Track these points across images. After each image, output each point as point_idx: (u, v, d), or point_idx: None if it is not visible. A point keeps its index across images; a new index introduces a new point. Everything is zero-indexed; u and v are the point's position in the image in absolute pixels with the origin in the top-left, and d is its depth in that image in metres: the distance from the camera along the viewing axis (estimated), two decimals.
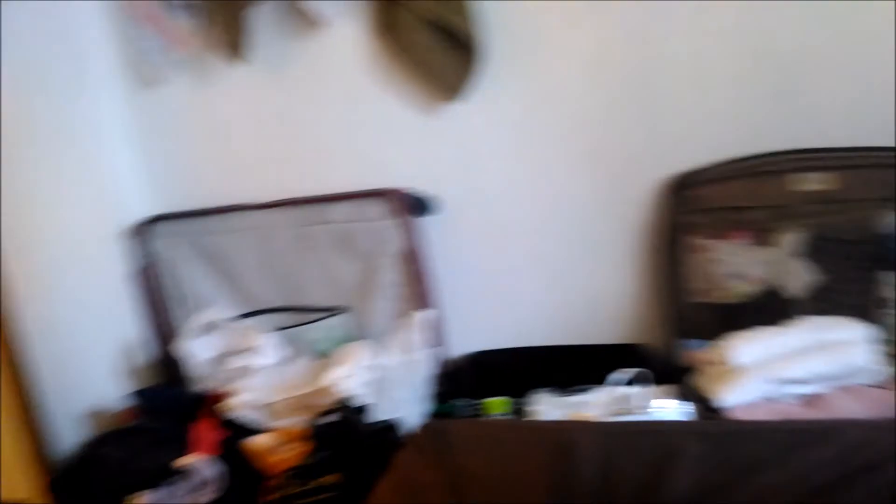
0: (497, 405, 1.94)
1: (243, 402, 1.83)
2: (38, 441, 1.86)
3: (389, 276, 2.14)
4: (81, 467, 1.80)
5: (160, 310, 2.26)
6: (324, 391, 1.88)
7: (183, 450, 1.76)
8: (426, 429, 1.56)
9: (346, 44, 2.09)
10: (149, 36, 2.09)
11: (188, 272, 2.24)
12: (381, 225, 2.12)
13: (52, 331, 1.92)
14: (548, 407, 1.88)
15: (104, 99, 2.20)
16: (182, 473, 1.67)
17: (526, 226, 2.15)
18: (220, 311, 2.07)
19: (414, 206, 2.12)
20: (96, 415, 2.05)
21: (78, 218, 2.06)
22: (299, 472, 1.67)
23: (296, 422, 1.82)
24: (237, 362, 1.94)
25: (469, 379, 2.12)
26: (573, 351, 2.13)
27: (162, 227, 2.23)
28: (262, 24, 2.09)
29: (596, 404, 1.86)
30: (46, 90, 2.00)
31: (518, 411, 1.92)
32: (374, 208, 2.11)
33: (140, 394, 1.93)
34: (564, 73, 2.00)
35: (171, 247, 2.23)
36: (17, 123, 1.89)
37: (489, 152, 2.11)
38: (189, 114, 2.23)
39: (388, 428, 1.75)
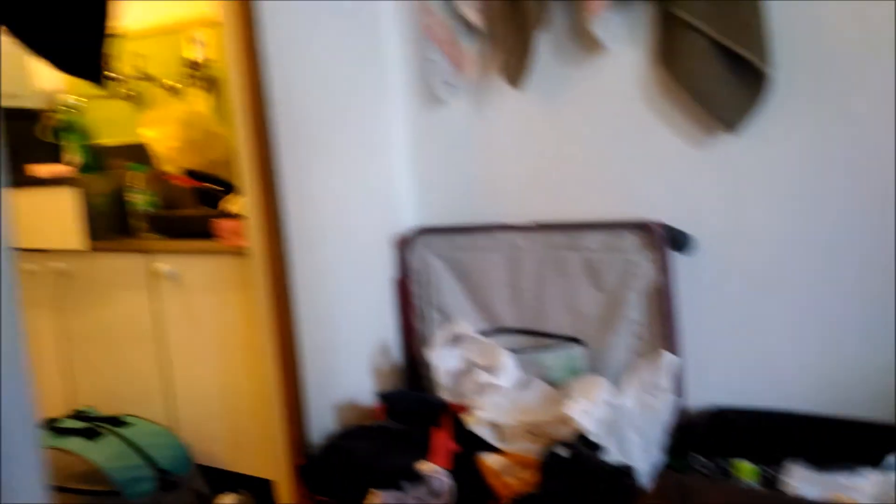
0: (744, 470, 1.75)
1: (481, 418, 1.84)
2: (296, 427, 2.01)
3: (634, 312, 2.04)
4: (329, 457, 1.91)
5: (411, 316, 2.36)
6: (558, 421, 1.82)
7: (422, 454, 1.80)
8: (668, 482, 1.44)
9: (622, 71, 2.03)
10: (439, 59, 2.19)
11: (440, 284, 2.31)
12: (634, 258, 2.02)
13: (321, 323, 2.07)
14: (804, 483, 1.67)
15: (395, 114, 2.35)
16: (420, 478, 1.72)
17: (795, 274, 1.93)
18: (467, 325, 2.11)
19: (671, 241, 2.00)
20: (347, 408, 2.18)
21: (357, 222, 2.20)
22: (527, 501, 1.64)
23: (527, 447, 1.79)
24: (478, 378, 1.96)
25: (708, 435, 1.94)
26: (840, 424, 1.86)
27: (423, 239, 2.33)
28: (540, 50, 2.10)
29: (864, 489, 1.61)
30: (352, 102, 2.17)
31: (767, 481, 1.72)
32: (628, 240, 2.02)
33: (388, 395, 2.02)
34: (862, 107, 1.77)
35: (428, 258, 2.32)
36: (321, 128, 2.06)
37: (760, 189, 1.92)
38: (461, 134, 2.30)
39: (624, 471, 1.65)
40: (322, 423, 2.08)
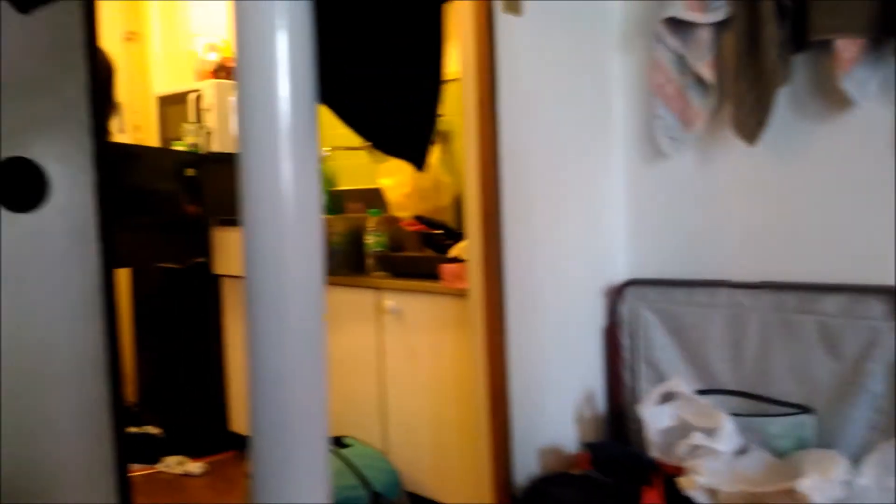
0: None
1: (697, 483, 1.72)
2: (501, 465, 2.02)
3: (875, 385, 1.81)
4: (534, 501, 1.90)
5: (619, 367, 2.29)
6: (783, 494, 1.66)
7: None
8: None
9: (871, 128, 1.84)
10: (666, 114, 2.17)
11: (651, 337, 2.22)
12: (879, 325, 1.81)
13: (530, 367, 2.08)
14: None
15: (615, 167, 2.33)
16: None
17: None
18: (681, 382, 2.01)
19: None
20: (550, 452, 2.15)
21: (571, 270, 2.19)
22: None
23: None
24: (693, 439, 1.85)
25: None
26: None
27: (635, 291, 2.27)
28: (778, 104, 2.00)
29: None
30: (575, 155, 2.20)
31: None
32: (873, 306, 1.82)
33: (595, 445, 1.97)
34: None
35: (639, 310, 2.25)
36: (544, 179, 2.10)
37: None
38: (683, 188, 2.22)
39: None
40: (525, 464, 2.07)
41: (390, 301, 2.39)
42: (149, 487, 2.77)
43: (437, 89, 0.59)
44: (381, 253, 2.57)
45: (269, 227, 0.46)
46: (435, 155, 2.71)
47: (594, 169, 2.28)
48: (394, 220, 2.69)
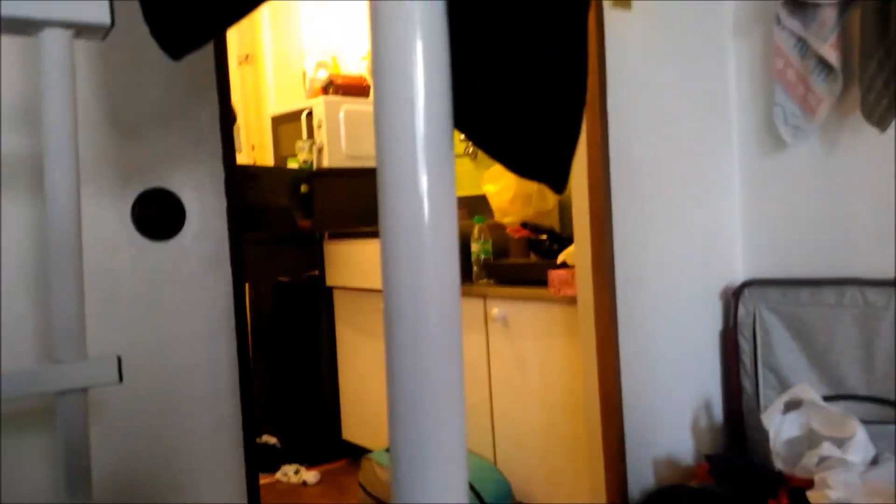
0: None
1: (829, 497, 1.63)
2: (615, 476, 1.98)
3: None
4: None
5: (738, 373, 2.20)
6: None
7: None
8: None
9: None
10: (786, 102, 2.07)
11: (774, 340, 2.12)
12: None
13: (643, 374, 2.03)
14: None
15: (731, 160, 2.25)
16: None
17: None
18: (808, 389, 1.91)
19: None
20: (665, 464, 2.09)
21: (685, 271, 2.13)
22: None
23: None
24: (823, 450, 1.75)
25: None
26: None
27: (755, 291, 2.17)
28: None
29: None
30: (689, 149, 2.13)
31: None
32: None
33: (715, 457, 1.90)
34: None
35: (760, 312, 2.15)
36: (655, 176, 2.05)
37: None
38: (806, 179, 2.11)
39: None
40: (640, 475, 2.02)
41: (496, 309, 2.40)
42: (268, 496, 2.91)
43: (580, 101, 0.54)
44: (486, 260, 2.59)
45: (409, 240, 0.47)
46: None
47: (709, 163, 2.20)
48: (498, 227, 2.70)
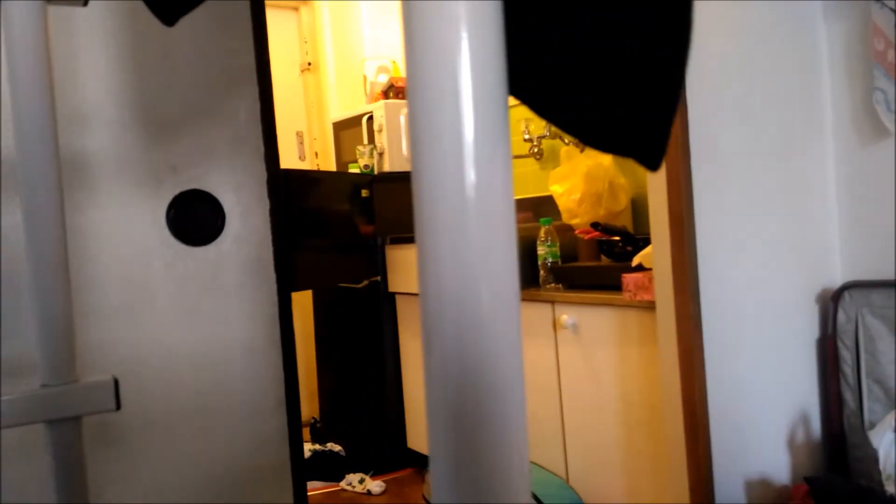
0: None
1: None
2: (700, 497, 1.80)
3: None
4: None
5: (838, 385, 1.97)
6: None
7: None
8: None
9: None
10: (888, 86, 1.85)
11: (879, 348, 1.89)
12: None
13: (731, 386, 1.84)
14: None
15: (827, 152, 2.03)
16: None
17: None
18: None
19: None
20: (758, 484, 1.89)
21: (777, 275, 1.92)
22: None
23: None
24: None
25: None
26: None
27: (856, 295, 1.94)
28: None
29: None
30: (779, 141, 1.93)
31: None
32: None
33: (816, 480, 1.69)
34: None
35: (864, 317, 1.92)
36: (742, 172, 1.86)
37: None
38: None
39: None
40: (730, 496, 1.83)
41: (566, 315, 2.24)
42: None
43: (684, 54, 0.43)
44: (553, 264, 2.43)
45: (453, 242, 0.36)
46: (607, 155, 2.53)
47: (801, 155, 1.99)
48: (566, 229, 2.54)
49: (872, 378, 1.90)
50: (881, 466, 1.64)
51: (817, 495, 1.67)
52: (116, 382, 0.55)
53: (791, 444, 1.96)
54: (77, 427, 0.54)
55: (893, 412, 1.65)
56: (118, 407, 0.54)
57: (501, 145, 0.45)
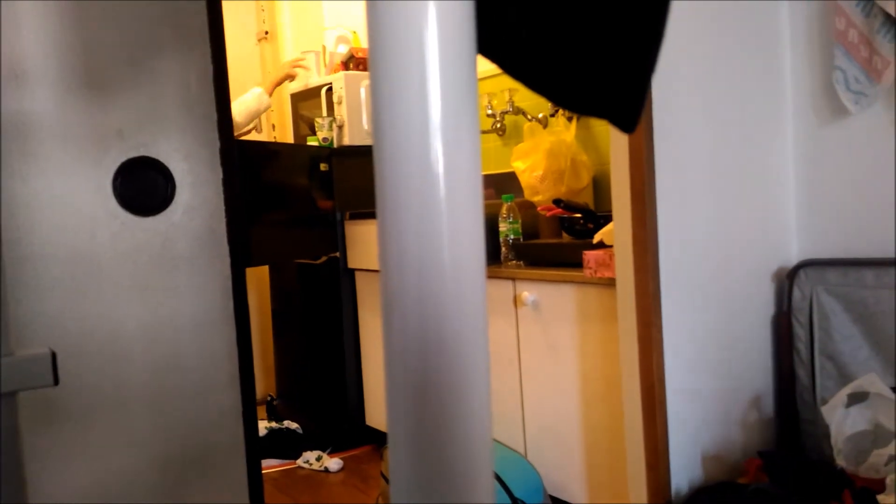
0: None
1: None
2: (656, 473, 1.83)
3: None
4: None
5: (789, 362, 2.02)
6: None
7: None
8: None
9: None
10: (848, 66, 1.87)
11: (833, 326, 1.93)
12: None
13: (688, 362, 1.85)
14: None
15: (785, 131, 2.05)
16: None
17: None
18: (876, 380, 1.73)
19: None
20: (712, 459, 1.93)
21: (734, 253, 1.95)
22: None
23: None
24: (894, 448, 1.58)
25: None
26: None
27: (812, 273, 1.98)
28: None
29: None
30: (738, 119, 1.95)
31: None
32: None
33: (769, 454, 1.73)
34: None
35: (818, 296, 1.96)
36: (702, 150, 1.87)
37: None
38: (870, 151, 1.90)
39: None
40: (685, 469, 1.86)
41: (526, 292, 2.24)
42: (287, 483, 2.81)
43: (661, 17, 0.42)
44: (515, 241, 2.43)
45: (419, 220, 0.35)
46: (570, 132, 2.53)
47: (761, 134, 2.01)
48: (528, 206, 2.53)
49: (825, 355, 1.95)
50: (832, 441, 1.68)
51: (770, 469, 1.71)
52: (54, 356, 0.52)
53: (745, 419, 2.00)
54: (12, 403, 0.51)
55: (845, 389, 1.70)
56: (56, 382, 0.51)
57: (468, 112, 0.43)
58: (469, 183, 0.41)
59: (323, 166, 2.99)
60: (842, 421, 1.67)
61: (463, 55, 0.39)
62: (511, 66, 0.41)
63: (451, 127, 0.39)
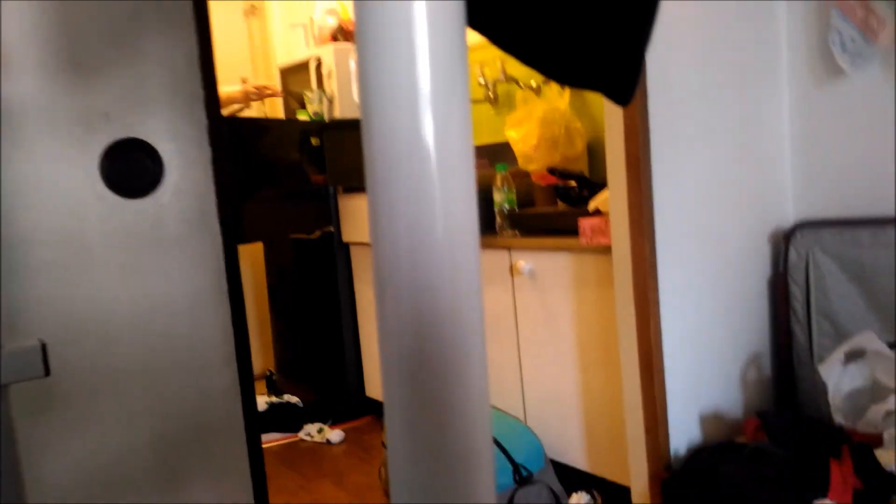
0: None
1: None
2: (655, 435, 1.85)
3: None
4: (695, 476, 1.71)
5: (789, 322, 2.03)
6: None
7: (816, 490, 1.51)
8: None
9: None
10: (844, 26, 1.84)
11: (829, 286, 1.94)
12: None
13: (686, 325, 1.87)
14: None
15: (782, 91, 2.03)
16: None
17: None
18: (873, 337, 1.73)
19: None
20: (711, 419, 1.95)
21: (731, 214, 1.95)
22: None
23: None
24: (891, 404, 1.59)
25: None
26: None
27: (808, 233, 1.98)
28: None
29: None
30: (735, 80, 1.93)
31: None
32: None
33: (766, 413, 1.75)
34: None
35: (814, 256, 1.96)
36: (698, 112, 1.85)
37: None
38: (866, 111, 1.89)
39: None
40: (685, 430, 1.88)
41: (522, 261, 2.24)
42: (290, 455, 2.83)
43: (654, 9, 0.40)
44: (510, 210, 2.42)
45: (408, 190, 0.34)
46: (564, 100, 2.51)
47: (756, 95, 1.99)
48: (523, 175, 2.52)
49: (822, 314, 1.96)
50: (830, 399, 1.70)
51: (769, 428, 1.73)
52: (44, 347, 0.51)
53: (743, 379, 2.02)
54: (4, 397, 0.51)
55: (842, 346, 1.71)
56: (47, 373, 0.51)
57: (460, 83, 0.42)
58: (461, 154, 0.40)
59: (314, 140, 2.97)
60: (839, 378, 1.68)
61: (453, 24, 0.38)
62: (501, 38, 0.40)
63: (442, 98, 0.38)
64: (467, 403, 0.47)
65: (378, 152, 0.41)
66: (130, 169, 1.01)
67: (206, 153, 1.09)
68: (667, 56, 1.78)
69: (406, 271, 0.42)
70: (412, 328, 0.45)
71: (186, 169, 1.06)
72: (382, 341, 0.46)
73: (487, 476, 0.46)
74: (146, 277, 1.00)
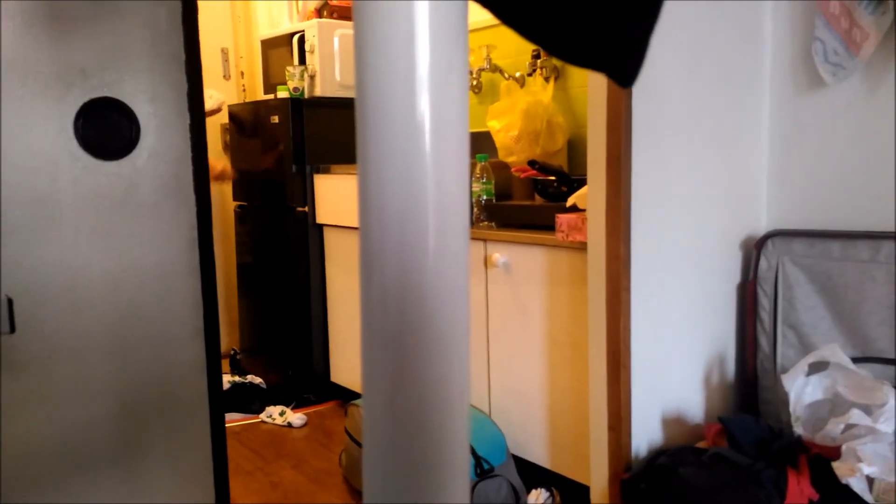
0: None
1: (859, 470, 1.51)
2: (618, 434, 1.87)
3: None
4: (655, 478, 1.74)
5: (752, 330, 2.07)
6: None
7: (772, 498, 1.55)
8: None
9: None
10: (828, 37, 1.87)
11: (797, 296, 1.98)
12: None
13: (654, 327, 1.90)
14: None
15: (763, 101, 2.06)
16: None
17: None
18: (837, 350, 1.78)
19: None
20: (673, 422, 1.98)
21: (706, 220, 1.97)
22: None
23: None
24: (851, 417, 1.63)
25: None
26: None
27: (779, 243, 2.01)
28: None
29: None
30: (718, 88, 1.95)
31: None
32: None
33: (729, 420, 1.78)
34: None
35: (784, 265, 2.00)
36: (680, 117, 1.87)
37: None
38: (845, 123, 1.93)
39: None
40: (645, 433, 1.91)
41: (497, 254, 2.25)
42: (250, 436, 2.82)
43: None
44: (488, 201, 2.42)
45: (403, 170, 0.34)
46: (547, 93, 2.51)
47: (737, 101, 2.01)
48: (502, 166, 2.52)
49: (788, 324, 2.00)
50: (791, 409, 1.73)
51: (729, 434, 1.76)
52: (10, 303, 0.50)
53: (706, 384, 2.05)
54: None
55: (806, 357, 1.74)
56: (13, 329, 0.49)
57: (458, 64, 0.41)
58: (456, 137, 0.40)
59: (273, 119, 2.97)
60: (801, 389, 1.72)
61: (453, 2, 0.38)
62: (503, 11, 0.40)
63: (439, 79, 0.38)
64: (447, 383, 0.47)
65: (371, 131, 0.41)
66: (106, 129, 0.98)
67: (184, 118, 1.07)
68: (651, 60, 1.78)
69: (394, 251, 0.42)
70: (397, 305, 0.45)
71: (163, 133, 1.04)
72: (366, 315, 0.46)
73: (462, 457, 0.46)
74: (118, 243, 0.98)
